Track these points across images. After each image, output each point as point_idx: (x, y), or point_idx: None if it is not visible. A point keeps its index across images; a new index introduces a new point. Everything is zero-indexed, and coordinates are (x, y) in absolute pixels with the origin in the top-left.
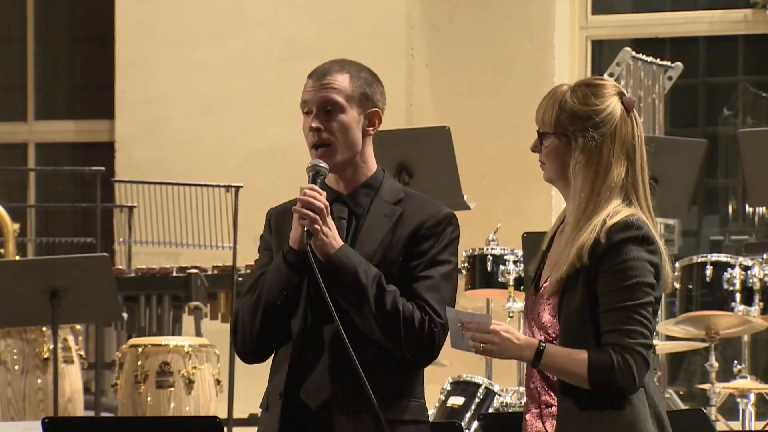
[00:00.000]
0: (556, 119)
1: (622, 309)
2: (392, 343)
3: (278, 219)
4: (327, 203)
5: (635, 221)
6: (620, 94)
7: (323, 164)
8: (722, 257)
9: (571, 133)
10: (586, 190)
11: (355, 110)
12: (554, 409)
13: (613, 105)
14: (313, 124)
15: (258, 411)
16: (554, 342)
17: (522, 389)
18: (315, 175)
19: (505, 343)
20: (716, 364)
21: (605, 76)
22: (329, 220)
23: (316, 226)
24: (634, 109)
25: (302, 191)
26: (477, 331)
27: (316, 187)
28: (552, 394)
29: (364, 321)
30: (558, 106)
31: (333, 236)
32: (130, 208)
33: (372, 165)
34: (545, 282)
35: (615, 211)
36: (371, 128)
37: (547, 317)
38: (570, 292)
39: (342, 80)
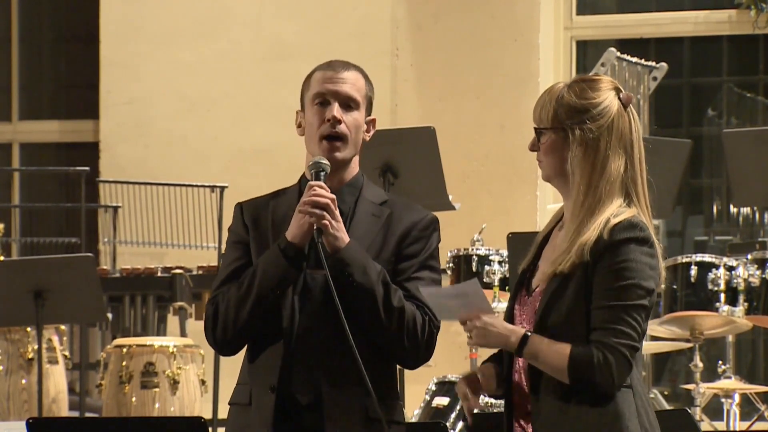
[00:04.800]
0: (554, 114)
1: (613, 308)
2: (393, 340)
3: (252, 211)
4: (333, 196)
5: (639, 222)
6: (617, 90)
7: (324, 161)
8: (707, 257)
9: (569, 126)
10: (584, 183)
11: (364, 112)
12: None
13: (609, 99)
14: (336, 114)
15: None
16: (548, 335)
17: None
18: (318, 171)
19: (488, 328)
20: (701, 365)
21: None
22: (337, 214)
23: (325, 222)
24: (631, 106)
25: (310, 188)
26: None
27: (322, 184)
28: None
29: (370, 316)
30: (555, 101)
31: (342, 231)
32: (115, 209)
33: (356, 168)
34: (542, 277)
35: (619, 211)
36: (368, 134)
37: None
38: (567, 287)
39: (358, 79)
